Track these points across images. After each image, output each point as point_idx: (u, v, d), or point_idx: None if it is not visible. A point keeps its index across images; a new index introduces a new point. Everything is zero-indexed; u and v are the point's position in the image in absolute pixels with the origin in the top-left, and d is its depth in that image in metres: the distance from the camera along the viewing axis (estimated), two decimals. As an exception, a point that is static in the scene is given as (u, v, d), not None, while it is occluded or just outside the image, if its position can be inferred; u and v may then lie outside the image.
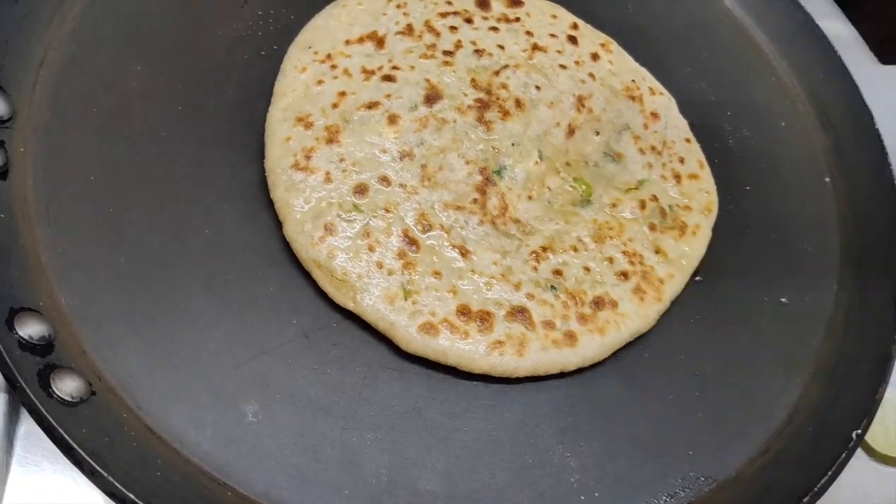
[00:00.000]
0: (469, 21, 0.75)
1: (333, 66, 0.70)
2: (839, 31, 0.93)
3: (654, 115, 0.77)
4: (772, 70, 0.86)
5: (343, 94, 0.68)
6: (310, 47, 0.71)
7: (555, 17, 0.79)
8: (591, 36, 0.79)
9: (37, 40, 0.67)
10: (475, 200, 0.67)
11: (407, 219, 0.65)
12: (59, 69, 0.67)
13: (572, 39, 0.78)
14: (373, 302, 0.61)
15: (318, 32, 0.72)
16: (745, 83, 0.85)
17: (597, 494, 0.61)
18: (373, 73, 0.70)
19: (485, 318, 0.63)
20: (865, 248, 0.77)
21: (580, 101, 0.75)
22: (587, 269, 0.67)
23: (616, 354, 0.66)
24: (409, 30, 0.73)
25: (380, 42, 0.72)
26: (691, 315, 0.71)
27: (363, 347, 0.63)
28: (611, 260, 0.68)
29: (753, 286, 0.74)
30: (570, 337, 0.64)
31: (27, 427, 0.63)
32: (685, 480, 0.63)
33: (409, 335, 0.61)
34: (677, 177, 0.74)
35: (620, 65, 0.79)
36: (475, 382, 0.63)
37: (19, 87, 0.65)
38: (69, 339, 0.57)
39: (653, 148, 0.75)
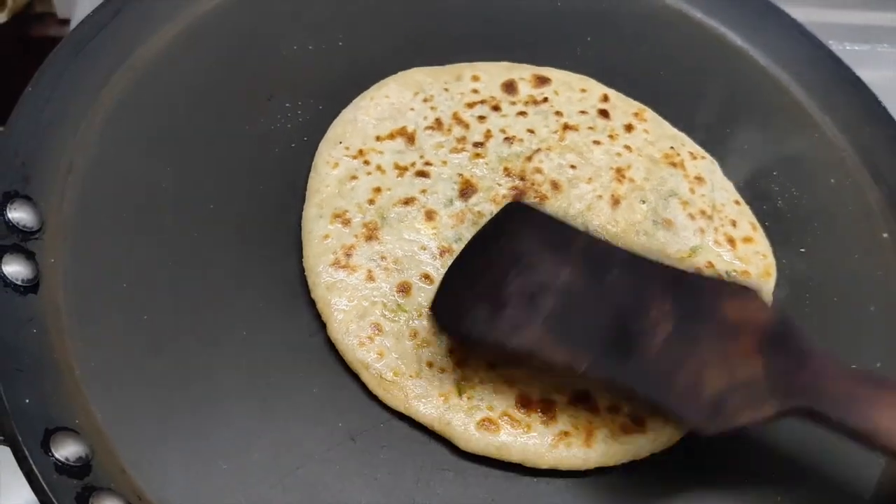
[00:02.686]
0: (497, 108, 0.74)
1: (366, 162, 0.68)
2: (876, 78, 0.90)
3: (699, 179, 0.75)
4: (815, 126, 0.84)
5: (378, 189, 0.67)
6: (340, 142, 0.69)
7: (584, 90, 0.77)
8: (623, 106, 0.77)
9: (64, 146, 0.66)
10: None
11: None
12: (87, 174, 0.66)
13: (603, 113, 0.76)
14: (426, 402, 0.58)
15: (348, 126, 0.71)
16: (789, 141, 0.82)
17: None
18: (406, 169, 0.69)
19: (546, 408, 0.59)
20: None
21: (619, 173, 0.72)
22: (650, 347, 0.63)
23: (684, 436, 0.62)
24: (437, 124, 0.72)
25: (410, 138, 0.71)
26: (759, 388, 0.66)
27: (415, 448, 0.59)
28: (672, 333, 0.64)
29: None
30: (639, 421, 0.60)
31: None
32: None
33: (467, 433, 0.58)
34: (731, 241, 0.71)
35: (656, 132, 0.77)
36: (537, 479, 0.59)
37: (48, 196, 0.64)
38: (107, 458, 0.54)
39: (702, 212, 0.72)
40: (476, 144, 0.71)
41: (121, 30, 0.73)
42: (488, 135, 0.72)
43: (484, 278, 0.59)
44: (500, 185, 0.69)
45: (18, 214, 0.61)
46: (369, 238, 0.64)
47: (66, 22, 1.12)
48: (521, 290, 0.58)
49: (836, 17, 1.07)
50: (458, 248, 0.65)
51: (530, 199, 0.69)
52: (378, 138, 0.70)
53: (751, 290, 0.60)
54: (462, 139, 0.71)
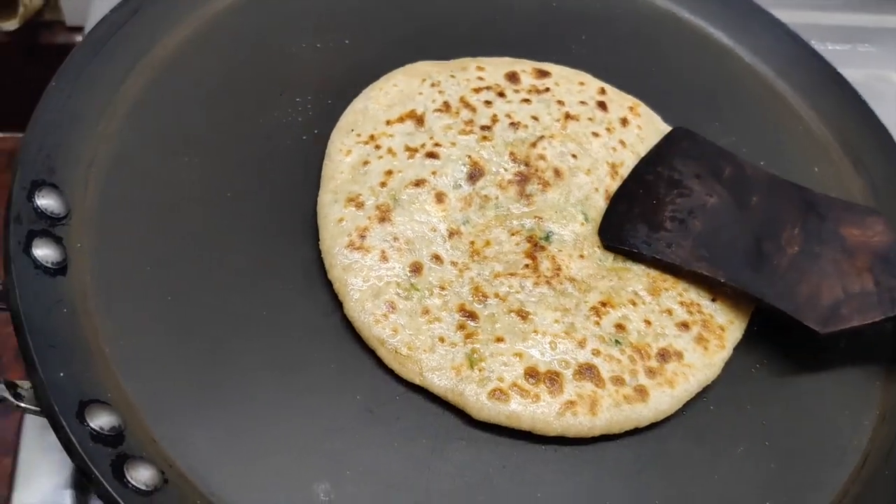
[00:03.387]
0: (502, 95, 0.77)
1: (377, 147, 0.71)
2: (857, 76, 0.94)
3: (687, 173, 0.78)
4: (799, 119, 0.88)
5: (389, 172, 0.70)
6: (352, 130, 0.73)
7: (582, 83, 0.81)
8: (619, 100, 0.81)
9: (86, 140, 0.69)
10: (527, 266, 0.68)
11: (462, 294, 0.65)
12: (108, 166, 0.69)
13: (602, 105, 0.79)
14: (440, 374, 0.62)
15: (359, 115, 0.74)
16: (775, 134, 0.86)
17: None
18: (416, 150, 0.72)
19: (553, 379, 0.62)
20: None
21: (613, 169, 0.76)
22: (648, 322, 0.67)
23: (682, 410, 0.65)
24: (445, 107, 0.75)
25: (419, 120, 0.74)
26: (751, 365, 0.70)
27: (429, 419, 0.62)
28: (669, 311, 0.68)
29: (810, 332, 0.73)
30: (641, 391, 0.63)
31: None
32: (765, 535, 0.62)
33: (479, 403, 0.61)
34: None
35: (648, 128, 0.80)
36: (545, 447, 0.62)
37: (73, 186, 0.66)
38: (138, 429, 0.57)
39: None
40: (483, 128, 0.74)
41: (138, 29, 0.76)
42: (494, 119, 0.75)
43: (644, 202, 0.73)
44: (505, 169, 0.72)
45: (46, 201, 0.64)
46: (382, 220, 0.67)
47: (74, 29, 1.15)
48: (676, 213, 0.72)
49: (818, 19, 1.12)
50: (465, 230, 0.69)
51: (534, 185, 0.72)
52: (388, 122, 0.73)
53: (877, 215, 0.73)
54: (470, 122, 0.74)
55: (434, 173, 0.70)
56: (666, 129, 0.81)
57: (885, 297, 0.68)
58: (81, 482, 0.65)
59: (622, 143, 0.77)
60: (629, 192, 0.74)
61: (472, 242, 0.68)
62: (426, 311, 0.64)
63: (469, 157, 0.72)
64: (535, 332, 0.64)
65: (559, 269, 0.68)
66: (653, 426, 0.64)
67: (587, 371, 0.63)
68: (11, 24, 1.09)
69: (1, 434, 1.11)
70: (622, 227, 0.71)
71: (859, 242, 0.71)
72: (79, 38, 1.14)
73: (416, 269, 0.66)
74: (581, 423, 0.61)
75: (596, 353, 0.64)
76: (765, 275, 0.69)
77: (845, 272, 0.70)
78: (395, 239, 0.67)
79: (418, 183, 0.70)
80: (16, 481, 0.66)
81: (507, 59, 0.81)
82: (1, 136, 1.27)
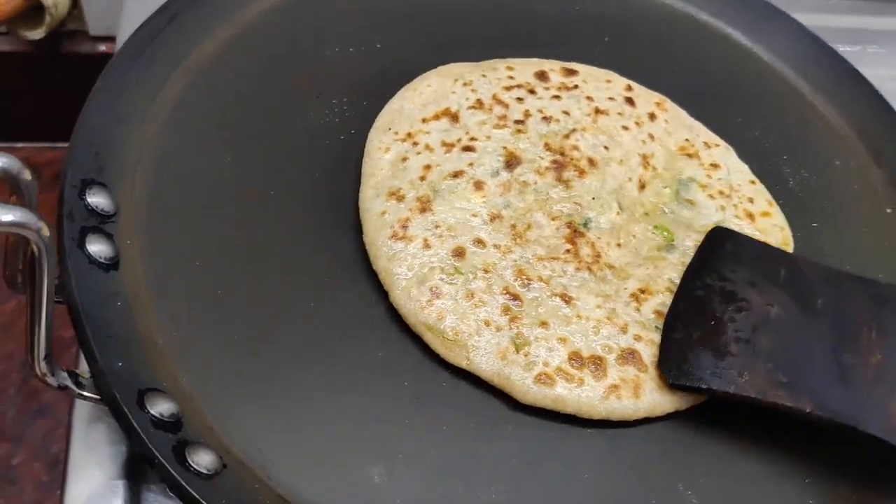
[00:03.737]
0: (532, 92, 0.79)
1: (415, 143, 0.73)
2: (867, 76, 0.97)
3: (715, 166, 0.80)
4: (819, 115, 0.90)
5: (428, 167, 0.72)
6: (390, 128, 0.75)
7: (609, 81, 0.83)
8: (645, 96, 0.83)
9: (132, 140, 0.71)
10: (568, 251, 0.69)
11: (506, 276, 0.67)
12: (153, 166, 0.70)
13: (629, 101, 0.82)
14: (486, 358, 0.63)
15: (395, 115, 0.76)
16: (795, 129, 0.88)
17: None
18: (453, 145, 0.74)
19: (597, 364, 0.64)
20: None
21: (645, 160, 0.78)
22: (685, 309, 0.68)
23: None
24: (479, 104, 0.77)
25: (454, 117, 0.76)
26: (785, 350, 0.71)
27: (475, 403, 0.64)
28: (705, 299, 0.69)
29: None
30: (682, 376, 0.65)
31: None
32: (805, 509, 0.63)
33: (525, 387, 0.62)
34: (750, 216, 0.77)
35: (675, 122, 0.83)
36: (589, 430, 0.64)
37: (120, 184, 0.68)
38: (195, 417, 0.58)
39: (721, 192, 0.78)
40: (517, 122, 0.76)
41: (176, 34, 0.78)
42: (527, 114, 0.77)
43: (701, 324, 0.64)
44: (542, 158, 0.74)
45: (96, 199, 0.65)
46: (423, 210, 0.69)
47: (98, 39, 1.17)
48: (739, 333, 0.63)
49: (828, 21, 1.14)
50: (506, 214, 0.70)
51: (570, 172, 0.74)
52: (424, 120, 0.75)
53: None
54: (503, 117, 0.76)
55: (471, 165, 0.72)
56: (692, 123, 0.83)
57: None
58: (135, 472, 0.66)
59: (651, 136, 0.79)
60: (682, 315, 0.66)
61: (514, 226, 0.70)
62: (471, 295, 0.65)
63: (505, 148, 0.74)
64: (577, 316, 0.66)
65: (598, 255, 0.70)
66: (693, 409, 0.66)
67: (630, 356, 0.65)
68: (38, 34, 1.11)
69: (31, 440, 1.12)
70: (684, 359, 0.63)
71: None
72: (102, 48, 1.16)
73: (459, 253, 0.67)
74: (625, 406, 0.63)
75: (637, 338, 0.66)
76: (852, 394, 0.59)
77: None
78: (437, 227, 0.68)
79: (457, 174, 0.72)
80: (68, 475, 0.67)
81: (535, 60, 0.83)
82: (21, 146, 1.27)
